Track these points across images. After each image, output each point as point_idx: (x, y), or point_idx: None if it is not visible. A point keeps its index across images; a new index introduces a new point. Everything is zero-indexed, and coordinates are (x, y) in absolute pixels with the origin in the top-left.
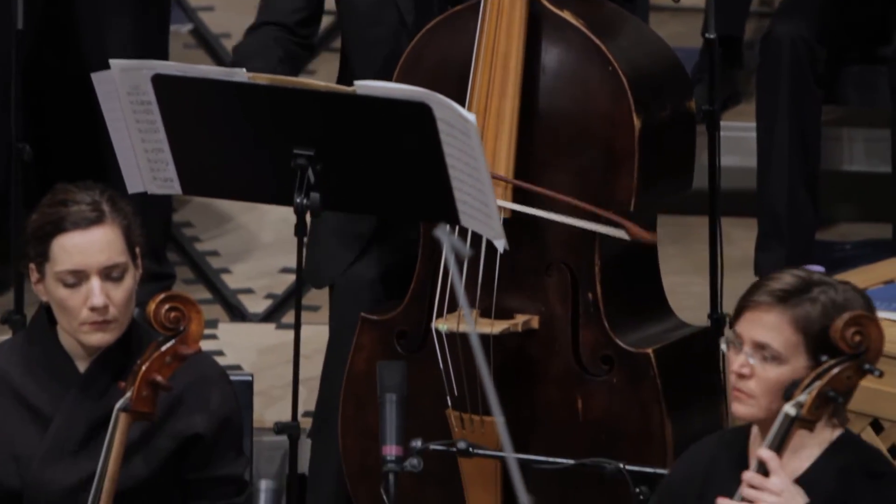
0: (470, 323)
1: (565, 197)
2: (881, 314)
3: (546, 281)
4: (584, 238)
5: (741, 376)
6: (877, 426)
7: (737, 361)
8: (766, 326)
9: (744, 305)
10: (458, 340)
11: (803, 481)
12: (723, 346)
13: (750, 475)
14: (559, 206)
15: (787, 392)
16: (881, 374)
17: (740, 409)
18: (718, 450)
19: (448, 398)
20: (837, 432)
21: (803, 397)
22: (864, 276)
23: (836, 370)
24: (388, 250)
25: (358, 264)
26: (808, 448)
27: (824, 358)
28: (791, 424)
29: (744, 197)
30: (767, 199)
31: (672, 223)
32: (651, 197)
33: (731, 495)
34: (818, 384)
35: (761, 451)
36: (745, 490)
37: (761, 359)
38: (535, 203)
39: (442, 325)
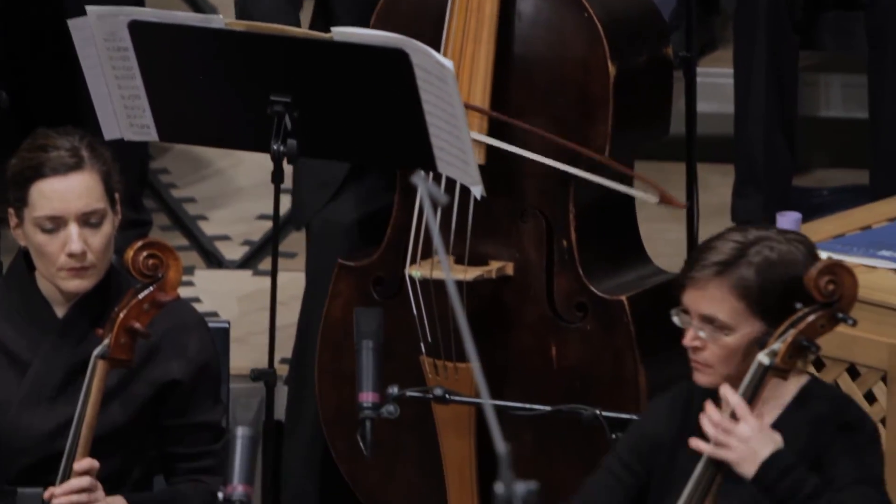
0: (445, 269)
1: (590, 152)
2: (858, 260)
3: (521, 227)
4: (559, 184)
5: (695, 349)
6: (853, 372)
7: (688, 335)
8: (710, 299)
9: (685, 281)
10: (432, 287)
11: (776, 429)
12: (676, 320)
13: (718, 418)
14: (549, 149)
15: (761, 341)
16: (854, 323)
17: (701, 378)
18: (693, 396)
19: (422, 345)
20: (804, 380)
21: (777, 346)
22: (840, 223)
23: (809, 319)
24: (364, 196)
25: (334, 210)
26: (778, 398)
27: (798, 306)
28: (765, 374)
29: (721, 143)
30: (744, 145)
31: (649, 169)
32: (626, 143)
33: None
34: (792, 332)
35: (730, 396)
36: (711, 431)
37: (711, 330)
38: (529, 149)
39: (416, 271)
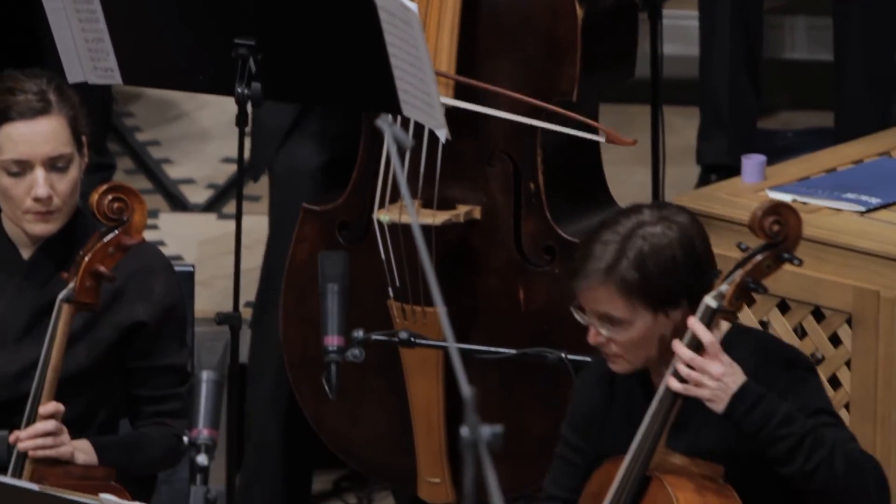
0: (412, 214)
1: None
2: (823, 203)
3: (488, 171)
4: (526, 128)
5: (600, 343)
6: (818, 315)
7: (590, 333)
8: (599, 301)
9: (573, 286)
10: (400, 231)
11: None
12: (577, 316)
13: (690, 356)
14: (508, 104)
15: (707, 282)
16: (800, 263)
17: (616, 367)
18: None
19: (389, 289)
20: (724, 328)
21: (724, 287)
22: (805, 165)
23: (755, 259)
24: (329, 141)
25: (297, 154)
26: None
27: (744, 247)
28: (712, 316)
29: (686, 85)
30: (709, 87)
31: (614, 112)
32: (593, 86)
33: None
34: (739, 274)
35: (702, 334)
36: (684, 370)
37: (611, 326)
38: (482, 101)
39: (383, 216)
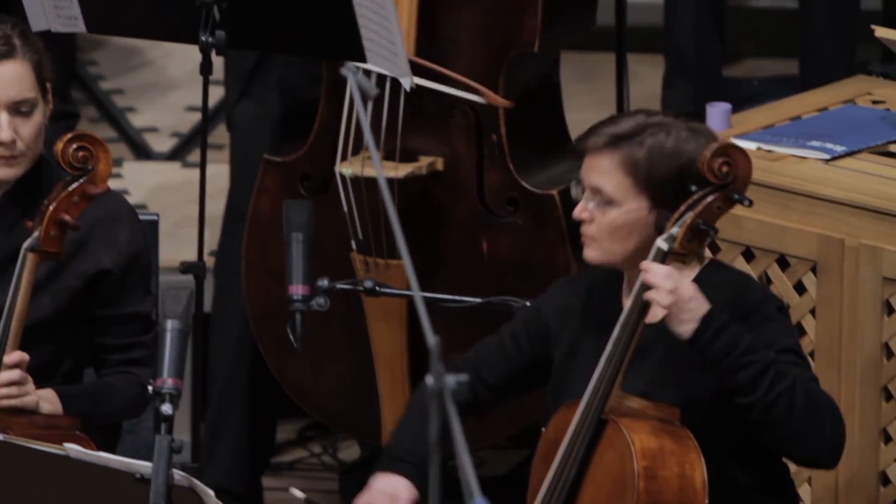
0: (378, 166)
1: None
2: (788, 151)
3: (450, 123)
4: (488, 80)
5: (582, 220)
6: (783, 263)
7: (577, 207)
8: (599, 170)
9: (582, 149)
10: (363, 185)
11: None
12: (573, 192)
13: (666, 271)
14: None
15: (658, 225)
16: (750, 203)
17: (588, 253)
18: (589, 292)
19: (352, 242)
20: (703, 264)
21: (675, 230)
22: (770, 113)
23: (705, 201)
24: (289, 90)
25: (256, 104)
26: None
27: (693, 189)
28: (664, 259)
29: (651, 33)
30: (674, 35)
31: (578, 60)
32: (554, 36)
33: (600, 331)
34: (689, 216)
35: (655, 266)
36: (653, 286)
37: (598, 202)
38: None
39: (346, 169)
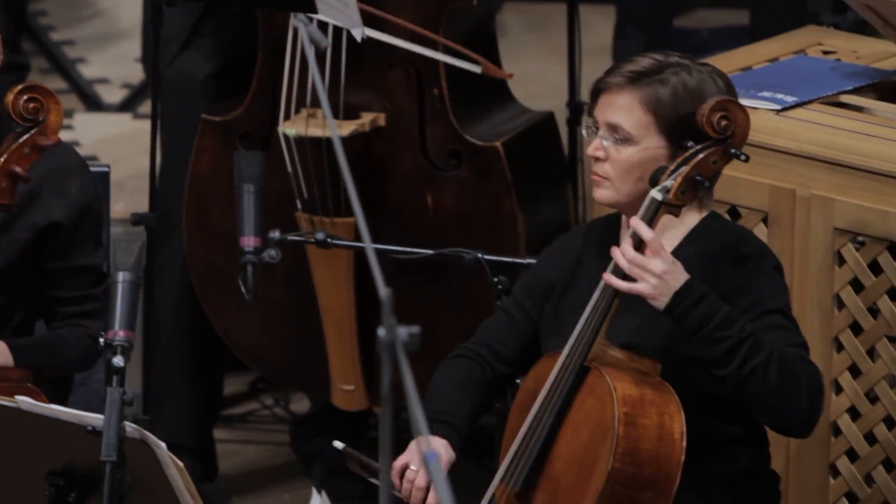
0: (332, 126)
1: (418, 29)
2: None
3: (391, 77)
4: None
5: (597, 159)
6: (734, 213)
7: (592, 144)
8: (617, 107)
9: (599, 88)
10: (308, 144)
11: None
12: (583, 132)
13: (632, 255)
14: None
15: (653, 178)
16: (747, 159)
17: (599, 192)
18: (587, 239)
19: (297, 201)
20: (705, 213)
21: (669, 182)
22: (720, 64)
23: (702, 155)
24: (221, 46)
25: (187, 61)
26: (676, 228)
27: (690, 144)
28: (657, 209)
29: None
30: None
31: (530, 10)
32: None
33: (597, 279)
34: (684, 169)
35: (643, 231)
36: (626, 265)
37: (614, 141)
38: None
39: (289, 129)
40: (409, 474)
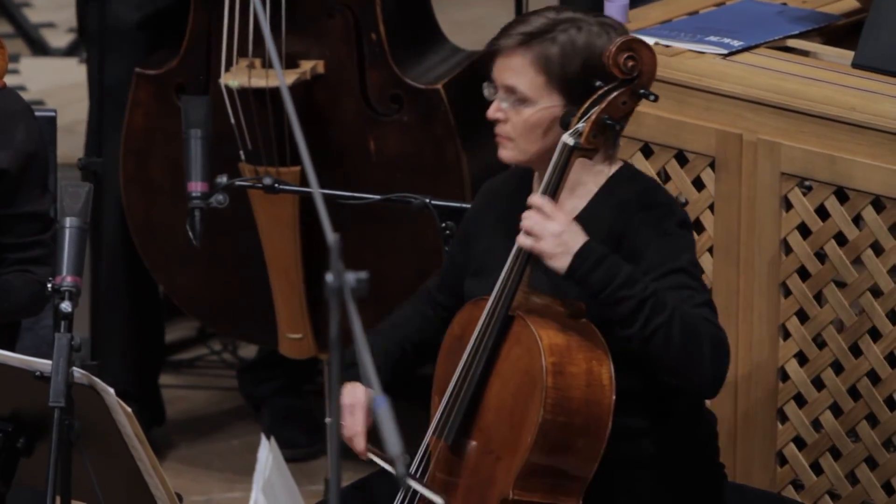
0: (280, 75)
1: None
2: (685, 46)
3: (328, 24)
4: None
5: (497, 121)
6: (681, 159)
7: (492, 107)
8: (511, 69)
9: (493, 50)
10: (251, 95)
11: (582, 217)
12: (486, 93)
13: (529, 219)
14: None
15: (563, 121)
16: (656, 98)
17: (503, 153)
18: (510, 184)
19: (241, 152)
20: (616, 167)
21: (581, 125)
22: (668, 8)
23: (611, 96)
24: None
25: (112, 11)
26: (587, 185)
27: (598, 84)
28: (570, 154)
29: None
30: None
31: None
32: None
33: (513, 229)
34: (595, 111)
35: (532, 197)
36: (527, 223)
37: (513, 101)
38: None
39: (232, 80)
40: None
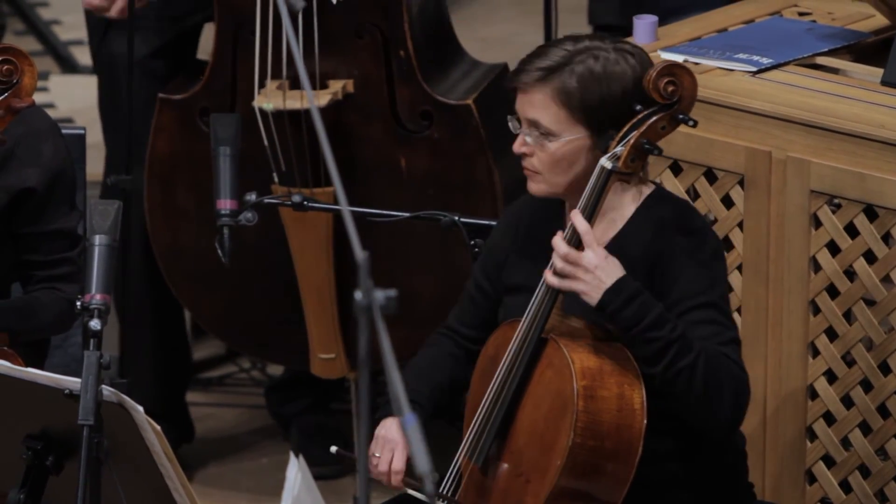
0: (310, 96)
1: None
2: (714, 63)
3: (358, 44)
4: None
5: (524, 155)
6: (710, 176)
7: (517, 141)
8: (533, 105)
9: (514, 86)
10: (286, 117)
11: (621, 237)
12: (511, 126)
13: (565, 251)
14: None
15: (602, 145)
16: (695, 124)
17: (532, 186)
18: (536, 207)
19: (274, 175)
20: (649, 189)
21: (619, 149)
22: (697, 26)
23: (650, 121)
24: (159, 24)
25: (122, 44)
26: (623, 207)
27: (638, 108)
28: (608, 178)
29: None
30: None
31: None
32: None
33: (548, 252)
34: (634, 135)
35: (578, 223)
36: (559, 264)
37: (537, 135)
38: None
39: (266, 103)
40: (372, 461)
